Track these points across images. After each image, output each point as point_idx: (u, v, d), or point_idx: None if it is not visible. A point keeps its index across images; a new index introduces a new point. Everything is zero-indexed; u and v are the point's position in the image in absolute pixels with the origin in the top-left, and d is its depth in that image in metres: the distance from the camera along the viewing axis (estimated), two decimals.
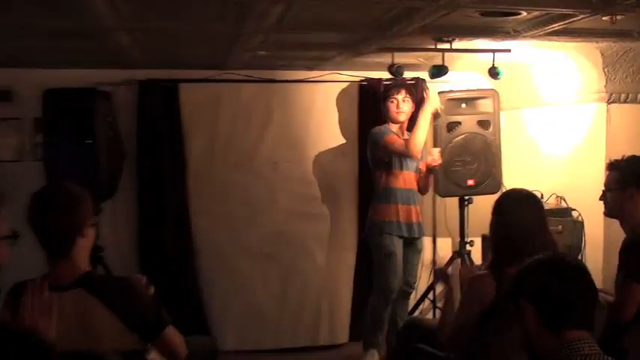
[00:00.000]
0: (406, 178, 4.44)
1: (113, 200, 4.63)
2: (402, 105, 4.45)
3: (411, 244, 4.49)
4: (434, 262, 5.02)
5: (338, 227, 5.13)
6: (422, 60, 4.51)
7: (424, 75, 4.70)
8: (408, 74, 4.64)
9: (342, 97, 5.08)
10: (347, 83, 5.06)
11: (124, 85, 4.74)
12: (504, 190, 3.02)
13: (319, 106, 5.08)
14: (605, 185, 2.98)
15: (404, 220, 4.41)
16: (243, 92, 4.98)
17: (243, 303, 4.97)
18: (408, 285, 4.54)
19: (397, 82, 4.50)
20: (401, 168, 4.44)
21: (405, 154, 4.37)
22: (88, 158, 4.20)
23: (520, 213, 2.69)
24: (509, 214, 2.71)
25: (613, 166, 2.96)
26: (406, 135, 4.46)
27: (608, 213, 3.01)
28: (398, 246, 4.40)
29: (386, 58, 4.18)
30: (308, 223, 5.09)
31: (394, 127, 4.50)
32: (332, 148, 5.08)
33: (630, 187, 2.86)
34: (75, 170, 4.07)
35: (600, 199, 3.01)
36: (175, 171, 4.84)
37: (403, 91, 4.46)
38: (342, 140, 5.11)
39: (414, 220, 4.45)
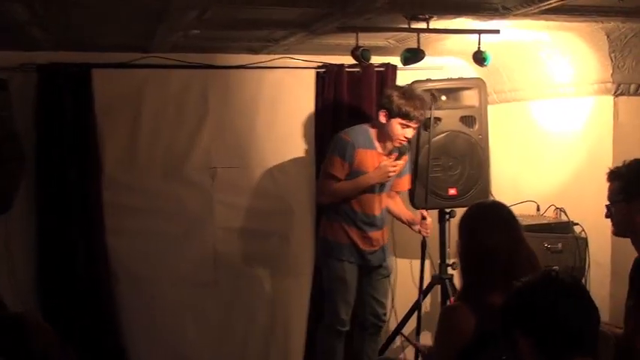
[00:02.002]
0: (365, 202, 4.43)
1: (7, 217, 4.53)
2: (409, 134, 4.36)
3: (372, 271, 4.54)
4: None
5: (290, 248, 5.15)
6: (393, 42, 4.54)
7: (395, 60, 4.75)
8: (375, 59, 4.67)
9: (295, 86, 5.11)
10: (301, 70, 5.08)
11: (22, 71, 4.65)
12: (475, 203, 3.05)
13: (267, 99, 5.10)
14: (609, 199, 2.99)
15: (360, 245, 4.46)
16: (172, 81, 4.95)
17: (172, 341, 4.96)
18: (377, 317, 4.59)
19: (421, 109, 4.31)
20: (370, 191, 4.43)
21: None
22: None
23: (491, 229, 2.73)
24: (478, 232, 2.74)
25: (614, 176, 2.97)
26: (386, 151, 4.44)
27: (617, 231, 3.01)
28: (350, 272, 4.46)
29: (349, 40, 4.18)
30: (253, 244, 5.10)
31: (377, 143, 4.43)
32: (283, 151, 5.11)
33: (636, 198, 2.87)
34: None
35: (606, 217, 3.01)
36: (86, 179, 4.77)
37: (417, 122, 4.34)
38: (295, 140, 5.14)
39: (375, 245, 4.50)
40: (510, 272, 2.26)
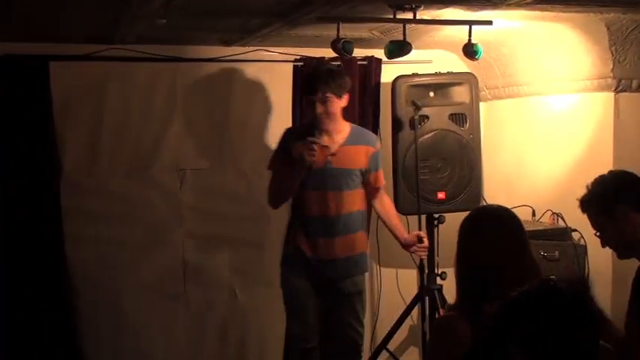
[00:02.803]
0: (323, 202, 4.21)
1: None
2: (321, 106, 4.14)
3: (335, 286, 4.30)
4: None
5: (265, 257, 5.11)
6: (377, 34, 4.54)
7: (380, 54, 4.74)
8: (358, 52, 4.67)
9: (271, 81, 5.10)
10: (278, 64, 5.07)
11: None
12: (480, 207, 3.08)
13: (241, 94, 5.09)
14: (594, 228, 3.07)
15: (307, 252, 4.26)
16: (138, 74, 4.93)
17: (138, 358, 4.93)
18: (351, 339, 4.38)
19: (315, 80, 4.17)
20: (316, 187, 4.21)
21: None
22: None
23: (496, 236, 2.74)
24: (482, 237, 2.75)
25: (585, 206, 3.06)
26: (334, 143, 4.19)
27: (622, 253, 3.07)
28: (302, 284, 4.29)
29: (329, 31, 4.17)
30: (225, 252, 5.10)
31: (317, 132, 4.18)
32: (258, 151, 5.07)
33: (613, 208, 2.96)
34: None
35: (603, 246, 3.08)
36: (43, 180, 4.74)
37: (327, 89, 4.12)
38: (271, 140, 5.10)
39: (332, 254, 4.25)
40: (511, 282, 2.26)
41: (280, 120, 5.07)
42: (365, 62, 5.09)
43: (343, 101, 4.20)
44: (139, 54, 4.84)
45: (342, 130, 4.24)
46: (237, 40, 4.80)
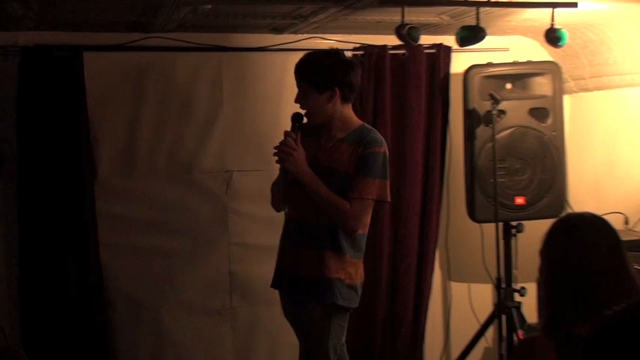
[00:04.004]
0: (299, 202, 3.92)
1: None
2: (298, 97, 3.94)
3: (295, 307, 3.97)
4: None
5: None
6: (446, 19, 4.52)
7: (449, 41, 4.74)
8: (425, 39, 4.65)
9: None
10: None
11: (0, 55, 4.68)
12: (566, 214, 3.03)
13: (293, 87, 4.97)
14: None
15: (284, 267, 3.98)
16: (179, 66, 4.96)
17: None
18: None
19: (302, 61, 3.94)
20: (298, 185, 3.86)
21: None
22: None
23: (590, 248, 2.69)
24: (573, 250, 2.71)
25: None
26: (330, 139, 3.88)
27: None
28: (283, 307, 4.07)
29: (393, 16, 4.17)
30: (268, 260, 5.02)
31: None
32: None
33: None
34: None
35: None
36: (77, 185, 4.80)
37: (301, 79, 3.92)
38: None
39: (300, 270, 3.87)
40: (605, 301, 2.22)
41: None
42: (433, 51, 5.08)
43: (325, 97, 3.81)
44: (181, 43, 4.87)
45: (343, 127, 3.90)
46: (289, 27, 4.83)
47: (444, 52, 5.10)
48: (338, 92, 3.80)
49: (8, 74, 4.69)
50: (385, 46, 5.01)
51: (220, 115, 5.01)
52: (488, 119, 4.55)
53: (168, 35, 4.82)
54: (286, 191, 3.97)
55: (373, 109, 5.08)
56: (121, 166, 4.92)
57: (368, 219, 3.86)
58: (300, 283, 3.89)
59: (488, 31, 4.12)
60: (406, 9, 4.02)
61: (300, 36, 4.98)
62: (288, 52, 5.00)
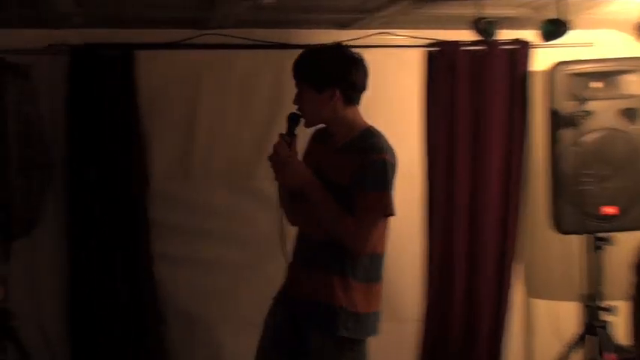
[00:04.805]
0: (302, 215, 3.76)
1: (30, 238, 4.60)
2: (295, 97, 3.78)
3: (293, 330, 3.72)
4: None
5: (392, 285, 5.05)
6: (526, 11, 4.49)
7: (530, 36, 4.71)
8: (505, 34, 4.61)
9: (397, 71, 5.09)
10: (406, 49, 5.07)
11: (48, 54, 4.74)
12: None
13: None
14: None
15: (287, 286, 3.82)
16: (237, 65, 4.97)
17: None
18: None
19: (301, 57, 3.79)
20: (303, 198, 3.66)
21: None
22: None
23: None
24: None
25: None
26: (332, 145, 3.70)
27: None
28: (271, 322, 3.83)
29: (467, 9, 4.16)
30: None
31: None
32: None
33: None
34: None
35: None
36: (128, 191, 4.84)
37: (299, 77, 3.77)
38: (397, 140, 5.05)
39: (302, 292, 3.68)
40: None
41: (408, 117, 5.10)
42: (511, 46, 5.03)
43: (324, 98, 3.65)
44: (239, 40, 4.87)
45: (346, 132, 3.70)
46: (356, 22, 4.81)
47: (524, 47, 5.05)
48: (338, 93, 3.60)
49: (57, 74, 4.74)
50: (458, 42, 4.98)
51: (281, 118, 4.93)
52: (572, 121, 4.49)
53: (225, 32, 4.83)
54: (292, 202, 3.77)
55: (445, 111, 5.06)
56: (175, 172, 4.93)
57: (377, 238, 3.58)
58: (303, 308, 3.67)
59: (572, 24, 4.05)
60: (483, 1, 3.99)
61: (367, 31, 4.94)
62: (354, 49, 4.99)
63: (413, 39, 5.04)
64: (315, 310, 3.60)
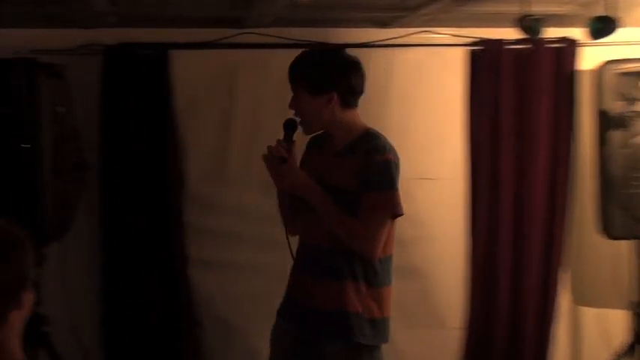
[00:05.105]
0: (308, 226, 3.72)
1: (64, 242, 4.64)
2: (292, 101, 3.70)
3: (307, 344, 3.69)
4: None
5: (433, 290, 5.14)
6: (573, 8, 4.46)
7: (577, 34, 4.70)
8: (552, 32, 4.59)
9: (439, 71, 5.10)
10: (448, 48, 5.07)
11: (82, 54, 4.78)
12: None
13: (400, 87, 5.09)
14: None
15: (294, 296, 3.76)
16: (274, 64, 4.92)
17: None
18: None
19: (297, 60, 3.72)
20: (305, 207, 3.64)
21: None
22: (23, 174, 4.20)
23: None
24: None
25: None
26: (332, 150, 3.68)
27: None
28: (281, 339, 3.82)
29: (512, 7, 4.14)
30: None
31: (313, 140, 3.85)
32: (423, 158, 5.10)
33: None
34: (1, 194, 4.07)
35: None
36: (163, 194, 4.87)
37: (295, 80, 3.68)
38: (439, 144, 5.11)
39: (313, 302, 3.64)
40: None
41: (451, 118, 5.09)
42: (558, 45, 4.99)
43: (321, 102, 3.59)
44: (277, 39, 4.88)
45: (345, 136, 3.67)
46: (396, 20, 4.81)
47: (570, 46, 5.00)
48: (336, 96, 3.56)
49: (91, 74, 4.77)
50: (502, 40, 4.96)
51: None
52: (622, 122, 4.46)
53: (262, 31, 4.84)
54: (294, 211, 3.75)
55: (489, 111, 5.03)
56: (211, 175, 4.94)
57: (386, 239, 3.55)
58: (317, 318, 3.61)
59: (621, 21, 4.03)
60: None
61: (408, 30, 4.94)
62: (394, 49, 5.01)
63: (455, 37, 5.03)
64: (329, 319, 3.57)
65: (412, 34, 4.97)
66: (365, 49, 4.98)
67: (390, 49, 5.02)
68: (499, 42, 4.98)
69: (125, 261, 4.84)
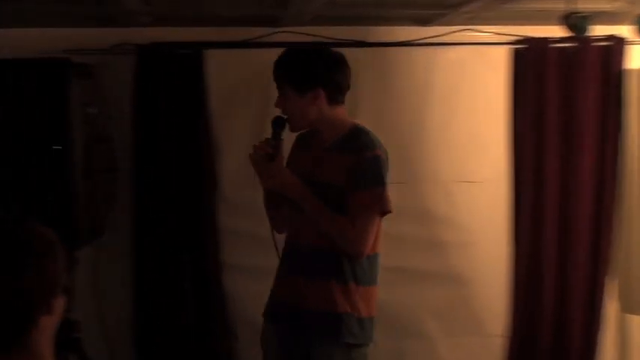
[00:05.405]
0: (297, 224, 3.78)
1: (96, 245, 4.66)
2: (278, 99, 3.81)
3: (297, 344, 3.75)
4: None
5: (474, 297, 5.12)
6: (621, 5, 4.43)
7: (625, 31, 4.69)
8: (598, 30, 4.55)
9: (482, 70, 5.08)
10: (491, 47, 5.05)
11: (115, 54, 4.80)
12: None
13: (441, 87, 5.08)
14: None
15: (277, 295, 3.87)
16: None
17: None
18: None
19: (282, 57, 3.82)
20: (292, 204, 3.73)
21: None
22: (55, 175, 4.21)
23: None
24: None
25: None
26: (320, 147, 3.75)
27: None
28: (271, 342, 3.89)
29: (557, 4, 4.12)
30: (423, 289, 5.10)
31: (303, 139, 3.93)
32: (464, 159, 5.11)
33: None
34: (33, 196, 4.11)
35: None
36: (196, 197, 4.87)
37: (281, 79, 3.79)
38: (481, 145, 5.09)
39: (299, 302, 3.70)
40: None
41: (494, 119, 5.05)
42: (605, 43, 4.94)
43: (307, 99, 3.66)
44: (314, 38, 4.88)
45: (333, 132, 3.73)
46: (437, 18, 4.80)
47: (618, 44, 4.95)
48: (323, 93, 3.63)
49: (123, 74, 4.79)
50: (547, 38, 4.92)
51: (356, 119, 4.97)
52: None
53: (299, 29, 4.84)
54: (281, 211, 3.83)
55: (533, 112, 5.00)
56: (246, 177, 4.89)
57: (374, 237, 3.62)
58: (308, 318, 3.67)
59: None
60: None
61: (449, 28, 4.94)
62: (435, 47, 5.00)
63: (498, 36, 5.01)
64: (321, 319, 3.64)
65: (454, 32, 4.98)
66: (405, 48, 5.03)
67: (430, 48, 5.01)
68: (544, 40, 4.94)
69: (157, 266, 4.85)
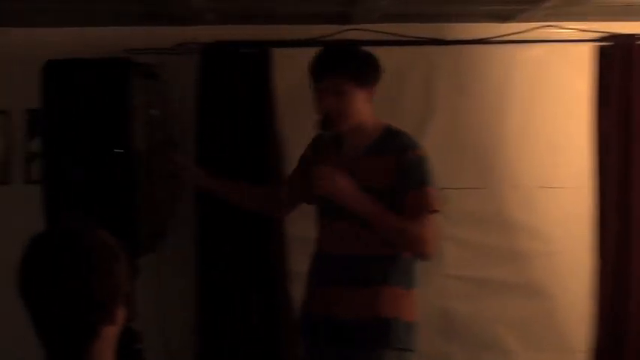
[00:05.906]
0: (332, 235, 3.82)
1: (157, 254, 4.63)
2: (324, 102, 3.80)
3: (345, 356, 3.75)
4: None
5: (556, 311, 5.05)
6: None
7: None
8: None
9: (565, 69, 5.02)
10: (575, 44, 5.00)
11: (178, 54, 4.84)
12: None
13: (521, 87, 5.04)
14: None
15: (320, 310, 3.83)
16: (385, 62, 4.85)
17: None
18: None
19: (322, 65, 3.85)
20: (326, 214, 3.84)
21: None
22: (117, 180, 4.21)
23: None
24: None
25: None
26: (353, 151, 3.81)
27: None
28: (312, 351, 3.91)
29: None
30: (500, 301, 5.06)
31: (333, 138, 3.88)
32: (546, 164, 5.06)
33: None
34: (95, 201, 4.11)
35: None
36: None
37: (339, 74, 3.76)
38: (563, 148, 5.02)
39: (337, 310, 3.74)
40: None
41: (576, 120, 5.00)
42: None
43: (364, 94, 3.76)
44: (385, 36, 4.90)
45: (370, 133, 3.80)
46: (516, 14, 4.77)
47: None
48: (372, 92, 3.79)
49: (187, 73, 4.83)
50: (635, 35, 4.88)
51: (431, 121, 4.96)
52: None
53: (369, 27, 4.84)
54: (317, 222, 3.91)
55: (619, 113, 4.95)
56: None
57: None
58: (355, 327, 3.71)
59: None
60: None
61: (530, 24, 4.90)
62: (514, 45, 4.97)
63: (582, 32, 4.97)
64: (368, 327, 3.70)
65: (534, 29, 4.94)
66: (482, 46, 5.02)
67: (509, 46, 4.99)
68: (631, 37, 4.90)
69: (222, 274, 4.87)
